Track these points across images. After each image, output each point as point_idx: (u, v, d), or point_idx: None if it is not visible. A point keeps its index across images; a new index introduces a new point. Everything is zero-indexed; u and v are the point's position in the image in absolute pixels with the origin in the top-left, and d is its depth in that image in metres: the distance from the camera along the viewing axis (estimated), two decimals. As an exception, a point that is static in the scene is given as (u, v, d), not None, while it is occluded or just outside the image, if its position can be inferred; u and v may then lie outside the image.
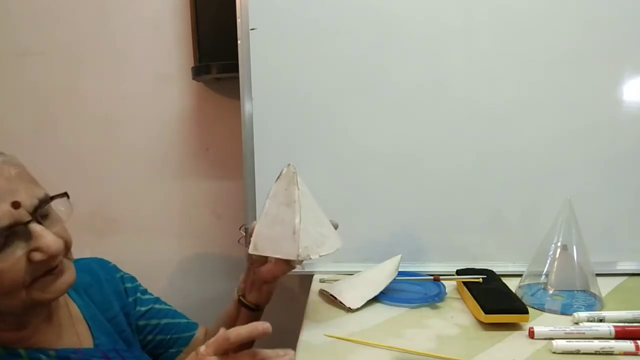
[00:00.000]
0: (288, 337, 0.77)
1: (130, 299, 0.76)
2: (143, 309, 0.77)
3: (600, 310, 0.74)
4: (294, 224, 0.66)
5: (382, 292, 0.80)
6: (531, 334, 0.66)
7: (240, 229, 0.98)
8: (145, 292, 0.80)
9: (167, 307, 0.81)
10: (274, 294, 0.81)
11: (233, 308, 0.79)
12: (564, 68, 0.89)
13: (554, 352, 0.62)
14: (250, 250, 0.69)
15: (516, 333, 0.68)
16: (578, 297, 0.77)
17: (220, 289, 1.23)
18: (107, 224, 1.23)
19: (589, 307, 0.75)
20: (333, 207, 0.94)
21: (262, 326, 0.55)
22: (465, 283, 0.80)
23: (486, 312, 0.70)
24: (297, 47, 0.91)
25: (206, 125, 1.18)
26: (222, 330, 0.55)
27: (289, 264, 0.70)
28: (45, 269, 0.54)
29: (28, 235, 0.53)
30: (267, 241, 0.68)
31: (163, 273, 1.24)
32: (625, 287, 0.87)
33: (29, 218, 0.53)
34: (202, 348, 0.55)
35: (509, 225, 0.93)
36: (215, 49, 1.06)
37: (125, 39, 1.16)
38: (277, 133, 0.93)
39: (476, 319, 0.73)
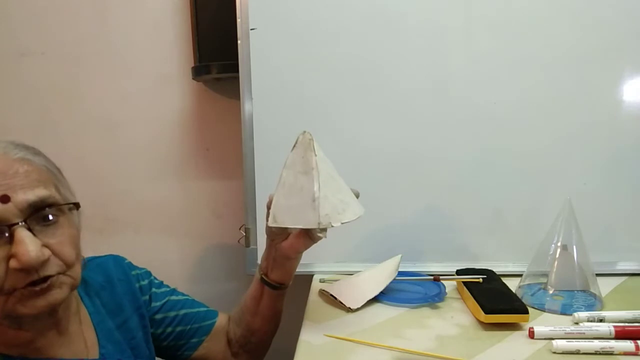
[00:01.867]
0: (288, 337, 0.77)
1: (145, 297, 0.74)
2: (159, 303, 0.75)
3: (600, 310, 0.74)
4: (313, 192, 0.63)
5: (382, 292, 0.80)
6: (531, 334, 0.66)
7: (240, 229, 0.98)
8: (160, 285, 0.78)
9: (184, 297, 0.79)
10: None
11: (256, 288, 0.77)
12: (564, 68, 0.89)
13: (554, 352, 0.62)
14: (270, 223, 0.66)
15: (516, 333, 0.68)
16: (578, 297, 0.77)
17: (220, 289, 1.23)
18: (107, 224, 1.23)
19: (589, 307, 0.75)
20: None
21: None
22: (465, 283, 0.80)
23: (486, 312, 0.69)
24: (297, 47, 0.91)
25: (206, 125, 1.18)
26: None
27: (310, 236, 0.67)
28: (26, 280, 0.50)
29: (11, 238, 0.49)
30: (286, 212, 0.65)
31: (163, 273, 1.23)
32: (625, 287, 0.87)
33: (18, 220, 0.50)
34: None
35: (509, 225, 0.93)
36: (215, 49, 1.06)
37: (125, 39, 1.16)
38: (277, 133, 0.93)
39: (476, 319, 0.73)
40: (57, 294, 0.53)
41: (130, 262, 0.76)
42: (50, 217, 0.53)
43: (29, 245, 0.49)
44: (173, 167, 1.21)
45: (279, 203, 0.66)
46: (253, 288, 0.78)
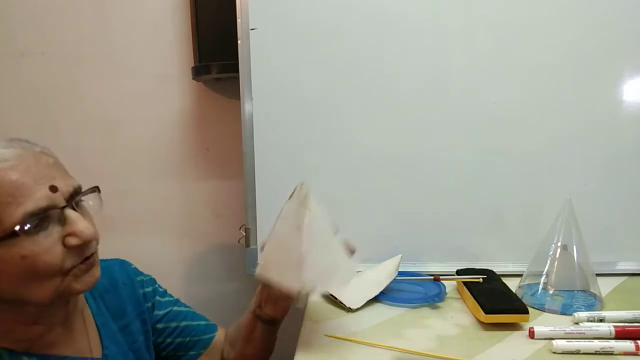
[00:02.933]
0: (288, 337, 0.77)
1: (149, 304, 0.74)
2: (161, 312, 0.75)
3: (600, 310, 0.74)
4: (301, 253, 0.60)
5: (382, 292, 0.80)
6: (531, 334, 0.66)
7: (240, 229, 0.98)
8: (164, 294, 0.78)
9: (186, 308, 0.79)
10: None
11: (250, 318, 0.75)
12: (564, 68, 0.89)
13: (554, 352, 0.62)
14: (257, 272, 0.64)
15: (516, 333, 0.68)
16: (578, 297, 0.77)
17: (220, 289, 1.23)
18: (107, 224, 1.23)
19: (589, 307, 0.75)
20: (332, 207, 0.94)
21: None
22: (465, 283, 0.80)
23: (486, 312, 0.69)
24: (297, 47, 0.91)
25: (206, 125, 1.18)
26: None
27: (294, 295, 0.65)
28: (80, 257, 0.55)
29: (63, 220, 0.54)
30: (274, 265, 0.63)
31: (163, 273, 1.23)
32: (625, 287, 0.87)
33: (64, 204, 0.54)
34: None
35: (509, 225, 0.93)
36: (215, 49, 1.06)
37: (125, 39, 1.16)
38: (277, 133, 0.93)
39: (476, 319, 0.73)
40: (98, 269, 0.58)
41: (135, 268, 0.77)
42: (79, 201, 0.58)
43: (82, 222, 0.54)
44: (173, 167, 1.21)
45: (269, 253, 0.64)
46: (247, 317, 0.76)
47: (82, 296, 0.65)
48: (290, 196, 0.65)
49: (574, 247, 0.78)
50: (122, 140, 1.20)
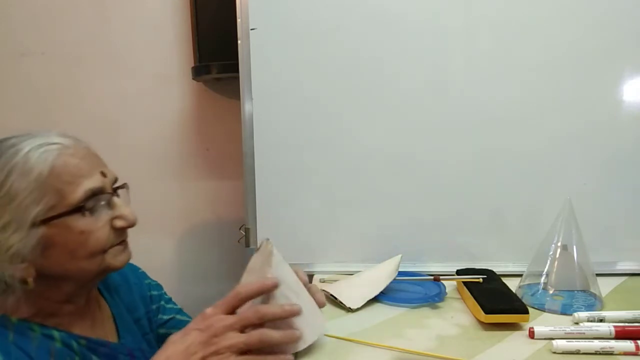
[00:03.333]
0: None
1: (154, 306, 0.76)
2: (165, 317, 0.77)
3: (600, 310, 0.74)
4: None
5: (382, 292, 0.80)
6: (531, 334, 0.66)
7: (240, 229, 0.98)
8: (169, 301, 0.80)
9: (188, 319, 0.80)
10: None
11: None
12: (564, 68, 0.89)
13: (554, 352, 0.62)
14: None
15: (516, 333, 0.68)
16: (578, 297, 0.77)
17: (220, 289, 1.23)
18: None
19: (589, 307, 0.75)
20: (332, 207, 0.95)
21: (270, 281, 0.57)
22: (465, 283, 0.80)
23: (486, 312, 0.69)
24: (297, 47, 0.91)
25: (206, 125, 1.18)
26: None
27: None
28: (119, 239, 0.61)
29: (111, 204, 0.61)
30: None
31: (163, 273, 1.24)
32: (625, 287, 0.87)
33: (110, 190, 0.61)
34: (209, 309, 0.56)
35: (509, 225, 0.93)
36: (215, 49, 1.06)
37: (125, 39, 1.16)
38: (277, 133, 0.93)
39: (476, 319, 0.72)
40: (130, 251, 0.65)
41: (144, 272, 0.79)
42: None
43: (128, 207, 0.62)
44: (173, 167, 1.21)
45: None
46: None
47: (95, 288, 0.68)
48: (257, 249, 0.63)
49: (574, 247, 0.78)
50: (122, 140, 1.20)
